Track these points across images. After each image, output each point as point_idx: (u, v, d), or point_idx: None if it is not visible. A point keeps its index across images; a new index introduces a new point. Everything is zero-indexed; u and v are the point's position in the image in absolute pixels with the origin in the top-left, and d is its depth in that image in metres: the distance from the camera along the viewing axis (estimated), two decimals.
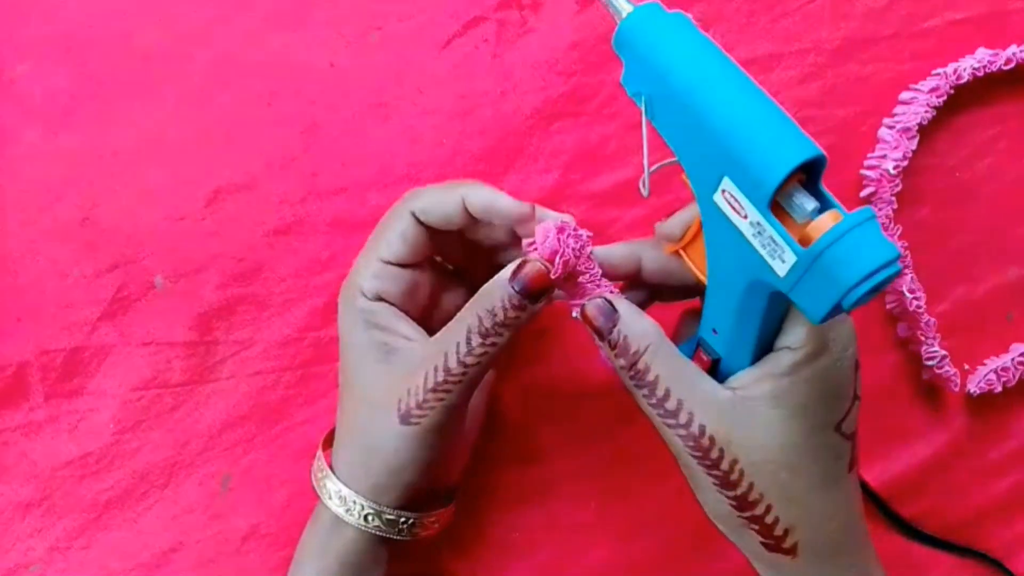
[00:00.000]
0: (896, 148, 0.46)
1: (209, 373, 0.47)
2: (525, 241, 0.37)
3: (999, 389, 0.48)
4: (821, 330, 0.32)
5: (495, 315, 0.35)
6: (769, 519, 0.33)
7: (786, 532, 0.33)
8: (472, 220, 0.38)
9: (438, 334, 0.37)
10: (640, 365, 0.34)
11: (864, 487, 0.47)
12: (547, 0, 0.48)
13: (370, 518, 0.38)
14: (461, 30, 0.48)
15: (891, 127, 0.47)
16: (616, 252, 0.38)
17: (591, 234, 0.37)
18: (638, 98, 0.33)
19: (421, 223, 0.39)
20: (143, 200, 0.47)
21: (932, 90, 0.46)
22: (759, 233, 0.30)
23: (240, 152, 0.47)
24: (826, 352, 0.33)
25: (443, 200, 0.38)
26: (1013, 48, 0.47)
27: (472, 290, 0.37)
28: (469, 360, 0.35)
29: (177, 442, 0.46)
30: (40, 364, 0.46)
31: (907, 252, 0.47)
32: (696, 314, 0.37)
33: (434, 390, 0.36)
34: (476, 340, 0.35)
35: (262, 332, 0.47)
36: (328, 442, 0.41)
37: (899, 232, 0.47)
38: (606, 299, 0.35)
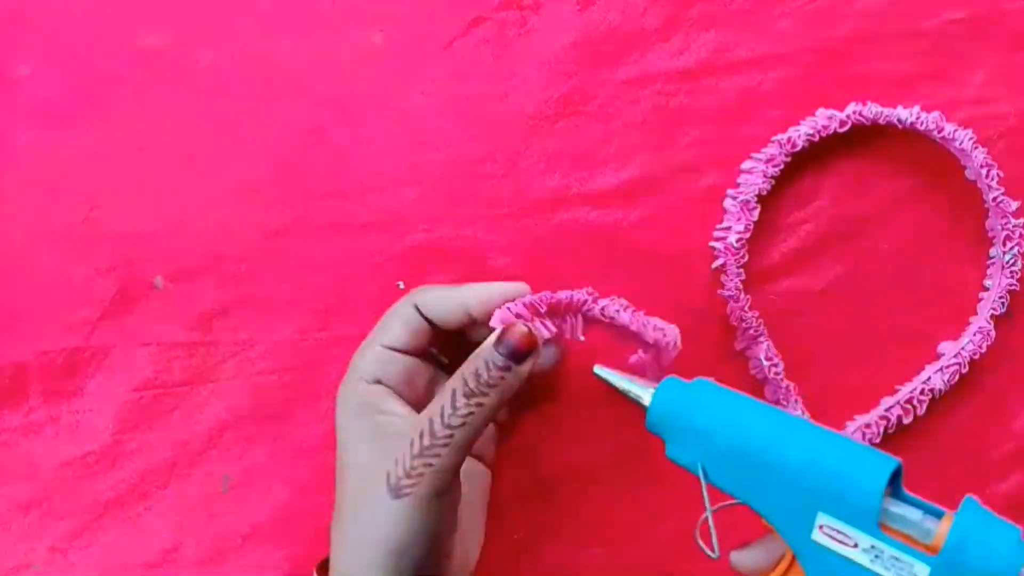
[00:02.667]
0: (739, 220, 0.46)
1: (209, 374, 0.47)
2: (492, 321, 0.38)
3: None
4: None
5: (479, 375, 0.36)
6: None
7: None
8: (472, 321, 0.39)
9: (429, 404, 0.38)
10: None
11: None
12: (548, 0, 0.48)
13: None
14: (463, 31, 0.48)
15: (734, 198, 0.47)
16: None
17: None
18: (692, 467, 0.34)
19: (422, 315, 0.40)
20: (143, 201, 0.47)
21: (768, 160, 0.47)
22: (877, 557, 0.30)
23: (241, 153, 0.47)
24: None
25: (446, 298, 0.39)
26: (851, 107, 0.47)
27: None
28: (455, 421, 0.36)
29: (177, 442, 0.46)
30: (39, 364, 0.46)
31: (760, 323, 0.47)
32: None
33: (421, 455, 0.36)
34: (461, 401, 0.36)
35: (262, 333, 0.47)
36: (322, 569, 0.39)
37: (748, 303, 0.47)
38: None
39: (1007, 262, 0.48)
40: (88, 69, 0.47)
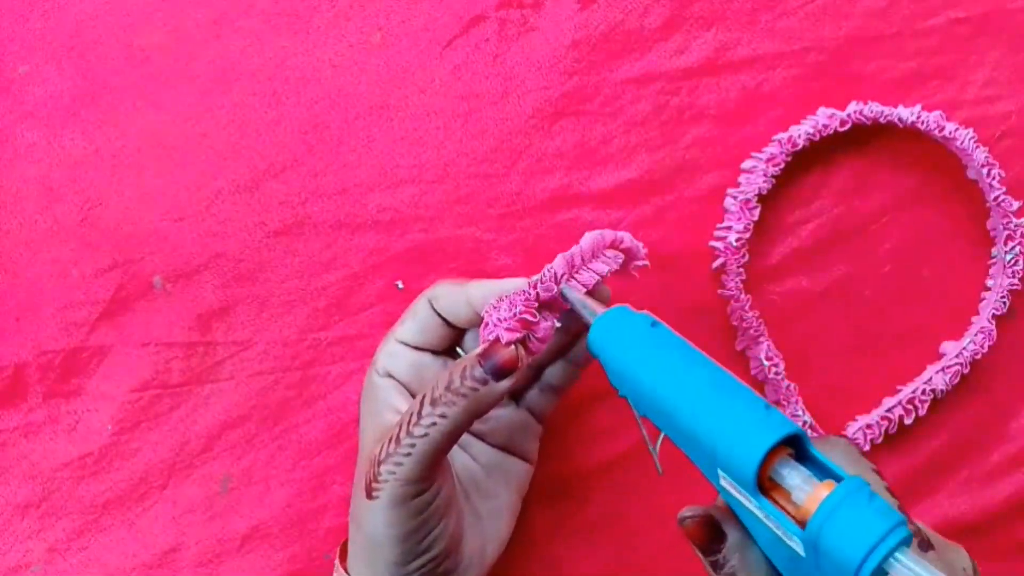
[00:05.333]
0: (739, 220, 0.46)
1: (208, 374, 0.47)
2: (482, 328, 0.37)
3: (867, 447, 0.48)
4: None
5: (450, 383, 0.35)
6: None
7: None
8: (479, 317, 0.38)
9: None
10: None
11: None
12: None
13: None
14: (462, 30, 0.48)
15: (735, 197, 0.47)
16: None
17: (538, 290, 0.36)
18: (623, 396, 0.34)
19: (435, 311, 0.39)
20: (143, 200, 0.47)
21: (769, 159, 0.47)
22: (766, 516, 0.29)
23: (241, 153, 0.47)
24: None
25: (452, 293, 0.39)
26: (852, 106, 0.47)
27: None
28: (416, 431, 0.34)
29: (176, 443, 0.46)
30: (39, 364, 0.46)
31: (761, 323, 0.47)
32: None
33: (383, 462, 0.35)
34: (426, 409, 0.35)
35: (262, 333, 0.47)
36: (344, 552, 0.40)
37: (749, 303, 0.47)
38: (712, 515, 0.33)
39: (1008, 262, 0.48)
40: (88, 69, 0.47)
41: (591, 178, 0.48)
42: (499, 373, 0.35)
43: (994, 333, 0.48)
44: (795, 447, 0.29)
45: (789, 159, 0.47)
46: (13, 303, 0.46)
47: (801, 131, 0.46)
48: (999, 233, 0.48)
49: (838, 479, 0.28)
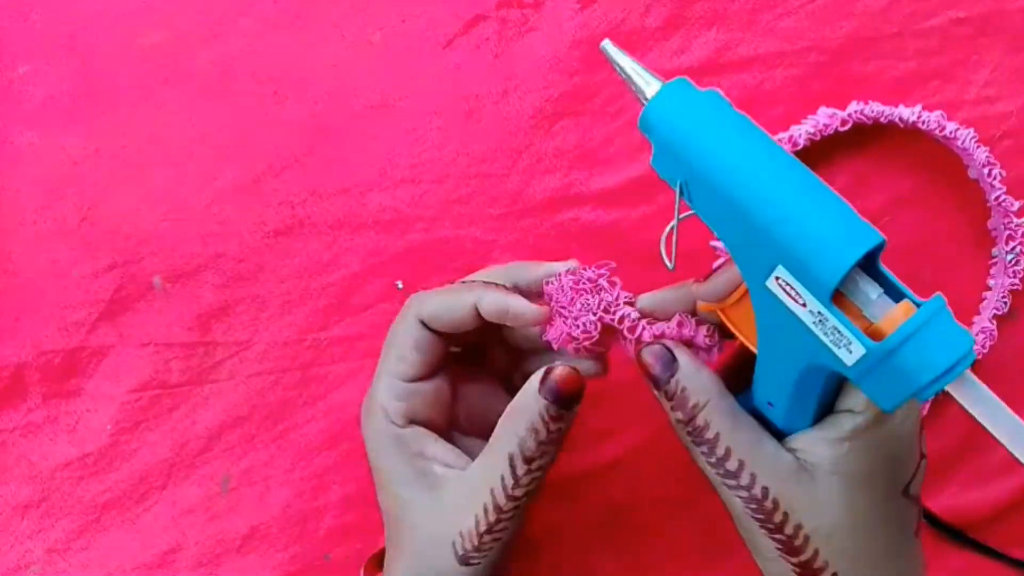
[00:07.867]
0: None
1: (208, 374, 0.47)
2: (543, 337, 0.35)
3: None
4: None
5: (538, 434, 0.33)
6: None
7: None
8: (485, 322, 0.36)
9: (480, 459, 0.35)
10: (699, 421, 0.32)
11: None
12: None
13: None
14: (463, 29, 0.47)
15: None
16: (667, 297, 0.35)
17: (605, 273, 0.36)
18: (671, 182, 0.31)
19: (431, 330, 0.36)
20: (143, 200, 0.47)
21: None
22: (820, 322, 0.28)
23: (241, 152, 0.47)
24: (890, 415, 0.31)
25: (452, 306, 0.35)
26: (853, 106, 0.47)
27: (490, 372, 0.35)
28: (518, 492, 0.33)
29: (176, 443, 0.46)
30: (38, 365, 0.46)
31: None
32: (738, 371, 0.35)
33: (489, 531, 0.33)
34: (521, 468, 0.33)
35: (262, 333, 0.47)
36: (372, 568, 0.38)
37: None
38: (666, 346, 0.33)
39: (1009, 262, 0.48)
40: (88, 69, 0.47)
41: (591, 178, 0.48)
42: (567, 401, 0.33)
43: (995, 333, 0.48)
44: (867, 259, 0.28)
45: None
46: (13, 303, 0.46)
47: (801, 131, 0.46)
48: (1000, 233, 0.48)
49: (897, 294, 0.28)
